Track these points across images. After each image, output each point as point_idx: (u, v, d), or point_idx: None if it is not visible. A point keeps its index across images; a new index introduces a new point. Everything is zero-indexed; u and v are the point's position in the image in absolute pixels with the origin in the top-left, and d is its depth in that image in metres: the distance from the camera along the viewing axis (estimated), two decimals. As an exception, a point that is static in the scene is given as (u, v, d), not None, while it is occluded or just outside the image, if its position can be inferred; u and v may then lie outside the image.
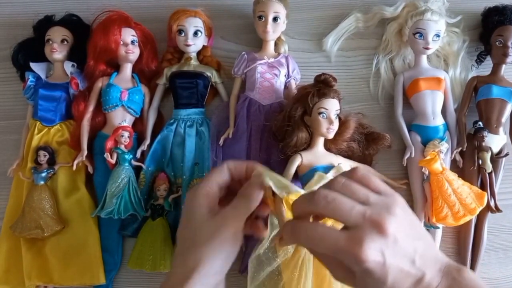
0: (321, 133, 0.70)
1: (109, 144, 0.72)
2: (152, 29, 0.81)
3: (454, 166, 0.75)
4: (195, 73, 0.78)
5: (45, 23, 0.80)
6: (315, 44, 0.84)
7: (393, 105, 0.79)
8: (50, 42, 0.77)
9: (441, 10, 0.80)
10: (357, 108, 0.80)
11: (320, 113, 0.69)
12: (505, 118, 0.76)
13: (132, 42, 0.77)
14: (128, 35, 0.76)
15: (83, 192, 0.75)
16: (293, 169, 0.70)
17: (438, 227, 0.73)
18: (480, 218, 0.75)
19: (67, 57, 0.79)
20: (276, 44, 0.80)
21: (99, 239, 0.73)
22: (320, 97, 0.69)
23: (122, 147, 0.72)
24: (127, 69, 0.78)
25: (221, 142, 0.75)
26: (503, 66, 0.78)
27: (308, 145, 0.72)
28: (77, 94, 0.78)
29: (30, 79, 0.78)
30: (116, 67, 0.79)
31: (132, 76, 0.78)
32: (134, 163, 0.74)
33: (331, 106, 0.69)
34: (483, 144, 0.74)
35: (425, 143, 0.75)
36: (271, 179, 0.46)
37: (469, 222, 0.73)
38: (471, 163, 0.74)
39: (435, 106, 0.76)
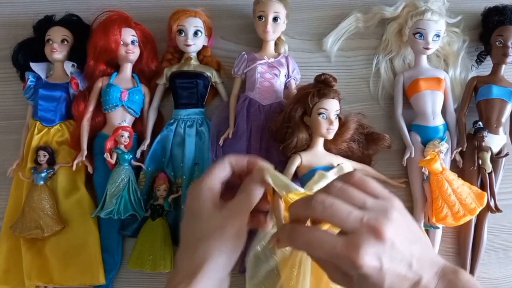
0: (321, 134, 0.70)
1: (109, 144, 0.72)
2: (152, 29, 0.81)
3: (454, 166, 0.75)
4: (195, 73, 0.78)
5: (45, 23, 0.80)
6: (315, 44, 0.84)
7: (393, 105, 0.79)
8: (50, 42, 0.77)
9: (441, 10, 0.80)
10: (357, 108, 0.80)
11: (320, 114, 0.69)
12: (505, 118, 0.76)
13: (132, 42, 0.77)
14: (128, 35, 0.76)
15: (83, 192, 0.74)
16: (292, 170, 0.70)
17: (438, 227, 0.73)
18: (480, 218, 0.75)
19: (67, 57, 0.79)
20: (276, 44, 0.80)
21: (99, 239, 0.73)
22: (320, 97, 0.69)
23: (122, 147, 0.72)
24: (127, 69, 0.78)
25: (221, 142, 0.75)
26: (503, 66, 0.78)
27: (308, 145, 0.72)
28: (77, 94, 0.78)
29: (30, 79, 0.78)
30: (116, 67, 0.79)
31: (132, 76, 0.78)
32: (134, 163, 0.74)
33: (331, 107, 0.69)
34: (483, 144, 0.74)
35: (425, 143, 0.75)
36: (271, 177, 0.46)
37: (469, 222, 0.73)
38: (471, 163, 0.74)
39: (435, 106, 0.76)
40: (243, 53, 0.78)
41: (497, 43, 0.77)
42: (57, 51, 0.77)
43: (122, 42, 0.76)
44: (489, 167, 0.74)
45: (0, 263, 0.73)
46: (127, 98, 0.76)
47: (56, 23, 0.80)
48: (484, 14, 0.82)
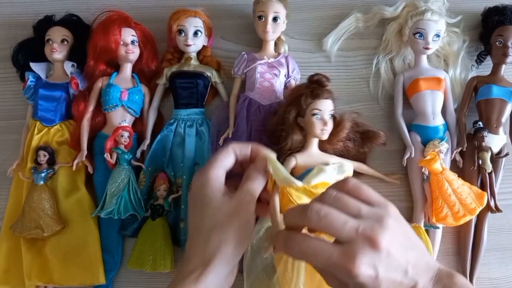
0: (315, 135, 0.70)
1: (109, 144, 0.72)
2: (152, 29, 0.81)
3: (454, 166, 0.75)
4: (195, 73, 0.78)
5: (45, 23, 0.80)
6: (315, 44, 0.84)
7: (393, 105, 0.79)
8: (50, 42, 0.77)
9: (441, 10, 0.80)
10: (357, 108, 0.80)
11: (314, 115, 0.69)
12: (505, 118, 0.76)
13: (132, 42, 0.77)
14: (128, 35, 0.76)
15: (83, 192, 0.74)
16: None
17: (438, 227, 0.73)
18: (480, 218, 0.75)
19: (67, 57, 0.79)
20: (276, 44, 0.80)
21: (99, 239, 0.73)
22: (314, 98, 0.69)
23: (122, 147, 0.72)
24: (127, 69, 0.78)
25: (221, 142, 0.75)
26: (503, 66, 0.78)
27: (302, 146, 0.71)
28: (77, 94, 0.78)
29: (30, 79, 0.77)
30: (116, 67, 0.79)
31: (132, 76, 0.78)
32: (134, 163, 0.74)
33: (325, 107, 0.69)
34: (483, 144, 0.74)
35: (425, 143, 0.75)
36: (272, 168, 0.46)
37: (469, 222, 0.73)
38: (471, 163, 0.74)
39: (435, 106, 0.76)
40: (243, 53, 0.78)
41: (497, 43, 0.77)
42: (57, 51, 0.77)
43: (122, 42, 0.76)
44: (489, 167, 0.74)
45: (0, 263, 0.73)
46: (127, 98, 0.76)
47: (56, 23, 0.80)
48: (484, 14, 0.82)
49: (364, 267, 0.36)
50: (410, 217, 0.74)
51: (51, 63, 0.79)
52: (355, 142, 0.73)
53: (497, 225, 0.76)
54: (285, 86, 0.79)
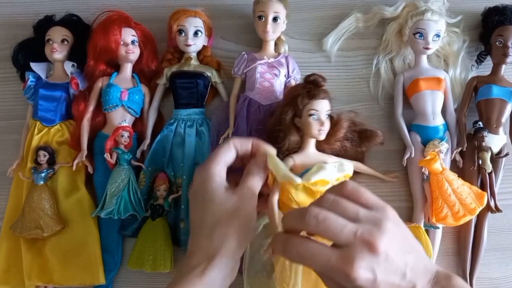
0: (312, 135, 0.69)
1: (109, 144, 0.72)
2: (152, 29, 0.81)
3: (454, 166, 0.75)
4: (195, 73, 0.78)
5: (45, 23, 0.80)
6: (315, 44, 0.84)
7: (393, 105, 0.79)
8: (50, 42, 0.77)
9: (441, 10, 0.80)
10: (357, 108, 0.80)
11: (310, 115, 0.68)
12: (505, 118, 0.76)
13: (132, 42, 0.77)
14: (128, 35, 0.76)
15: (83, 192, 0.74)
16: None
17: (438, 227, 0.73)
18: (480, 218, 0.75)
19: (67, 57, 0.79)
20: (276, 44, 0.80)
21: (99, 239, 0.73)
22: (310, 98, 0.68)
23: (122, 147, 0.72)
24: (127, 69, 0.78)
25: (221, 142, 0.75)
26: (503, 66, 0.78)
27: (299, 147, 0.71)
28: (77, 94, 0.78)
29: (30, 79, 0.77)
30: (116, 67, 0.79)
31: (132, 76, 0.78)
32: (134, 163, 0.74)
33: (322, 107, 0.69)
34: (483, 144, 0.74)
35: (425, 143, 0.75)
36: (272, 164, 0.47)
37: (469, 222, 0.73)
38: (471, 163, 0.74)
39: (435, 106, 0.76)
40: (243, 53, 0.78)
41: (497, 43, 0.77)
42: (57, 51, 0.77)
43: (122, 42, 0.76)
44: (489, 167, 0.74)
45: (0, 263, 0.73)
46: (127, 98, 0.76)
47: (56, 23, 0.80)
48: (484, 14, 0.82)
49: (362, 270, 0.36)
50: (410, 217, 0.74)
51: (51, 63, 0.79)
52: (353, 141, 0.73)
53: (497, 225, 0.76)
54: (285, 86, 0.79)
